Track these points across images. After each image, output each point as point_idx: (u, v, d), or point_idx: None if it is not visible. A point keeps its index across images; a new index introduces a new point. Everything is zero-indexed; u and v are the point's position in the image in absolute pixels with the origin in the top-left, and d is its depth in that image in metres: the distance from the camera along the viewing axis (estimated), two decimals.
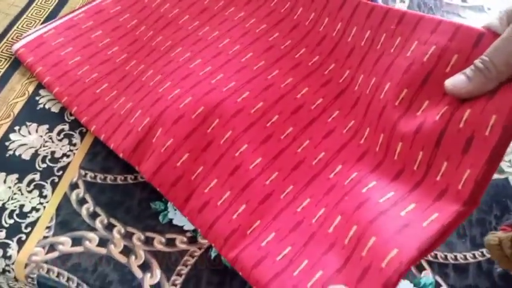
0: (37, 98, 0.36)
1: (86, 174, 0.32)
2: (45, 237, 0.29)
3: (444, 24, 0.27)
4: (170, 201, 0.29)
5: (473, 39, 0.25)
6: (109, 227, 0.29)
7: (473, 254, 0.29)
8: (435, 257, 0.29)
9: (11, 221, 0.29)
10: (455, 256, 0.29)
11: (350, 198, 0.26)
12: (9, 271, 0.28)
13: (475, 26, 0.26)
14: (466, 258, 0.29)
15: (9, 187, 0.31)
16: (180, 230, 0.29)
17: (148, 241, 0.29)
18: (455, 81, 0.25)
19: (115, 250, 0.28)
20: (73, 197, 0.31)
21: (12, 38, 0.39)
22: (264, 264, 0.25)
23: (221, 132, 0.30)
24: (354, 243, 0.24)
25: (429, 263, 0.29)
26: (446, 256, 0.29)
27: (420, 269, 0.29)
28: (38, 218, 0.30)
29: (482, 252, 0.29)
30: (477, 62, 0.24)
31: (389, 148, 0.27)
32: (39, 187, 0.31)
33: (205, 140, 0.30)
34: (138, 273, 0.28)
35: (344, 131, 0.31)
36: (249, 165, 0.29)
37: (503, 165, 0.33)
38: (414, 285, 0.28)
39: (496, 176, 0.23)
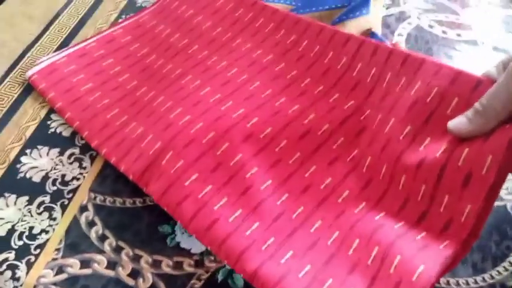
0: (48, 122, 0.37)
1: (95, 197, 0.32)
2: (54, 259, 0.29)
3: (445, 68, 0.30)
4: (177, 219, 0.29)
5: (472, 84, 0.28)
6: (117, 250, 0.30)
7: (475, 280, 0.30)
8: (438, 282, 0.30)
9: (20, 243, 0.30)
10: (457, 281, 0.30)
11: (364, 224, 0.27)
12: None
13: (473, 73, 0.29)
14: (467, 284, 0.30)
15: (19, 209, 0.31)
16: (187, 253, 0.30)
17: (156, 264, 0.29)
18: (457, 123, 0.27)
19: (123, 272, 0.29)
20: (82, 219, 0.31)
21: (25, 65, 0.41)
22: (286, 282, 0.25)
23: (231, 155, 0.31)
24: (378, 263, 0.25)
25: None
26: (448, 281, 0.29)
27: None
28: (47, 240, 0.30)
29: (483, 278, 0.30)
30: (477, 105, 0.26)
31: (393, 179, 0.29)
32: (49, 209, 0.31)
33: (215, 161, 0.30)
34: None
35: (347, 159, 0.32)
36: (260, 186, 0.29)
37: (502, 192, 0.34)
38: None
39: (495, 203, 0.25)
